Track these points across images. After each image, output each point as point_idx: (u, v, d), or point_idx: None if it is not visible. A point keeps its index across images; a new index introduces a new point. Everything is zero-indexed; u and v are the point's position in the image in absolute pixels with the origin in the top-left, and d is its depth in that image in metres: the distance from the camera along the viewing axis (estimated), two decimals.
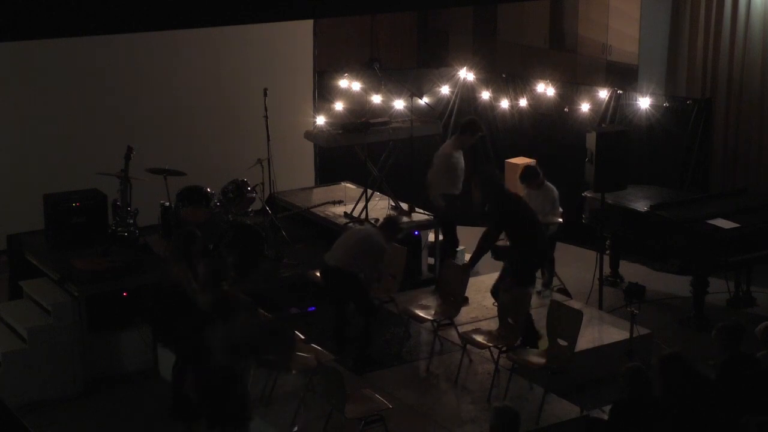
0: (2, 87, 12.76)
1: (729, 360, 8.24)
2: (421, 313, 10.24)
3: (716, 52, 13.51)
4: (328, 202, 12.56)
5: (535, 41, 15.45)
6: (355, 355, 9.95)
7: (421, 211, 12.18)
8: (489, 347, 9.64)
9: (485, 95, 14.43)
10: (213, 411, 8.29)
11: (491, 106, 14.41)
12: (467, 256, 12.58)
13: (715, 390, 8.05)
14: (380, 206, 12.23)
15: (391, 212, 11.63)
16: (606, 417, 8.39)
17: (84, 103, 13.09)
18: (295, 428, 8.71)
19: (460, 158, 11.93)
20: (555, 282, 11.58)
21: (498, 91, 14.34)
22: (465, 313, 10.72)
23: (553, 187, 11.72)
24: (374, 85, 13.93)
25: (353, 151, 12.64)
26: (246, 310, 8.62)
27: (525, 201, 10.74)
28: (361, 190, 12.37)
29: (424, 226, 12.21)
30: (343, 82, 14.12)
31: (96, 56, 12.96)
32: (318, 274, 10.53)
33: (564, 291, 11.63)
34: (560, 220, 11.54)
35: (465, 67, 14.62)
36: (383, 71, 13.97)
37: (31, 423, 9.14)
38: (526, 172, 11.73)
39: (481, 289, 11.59)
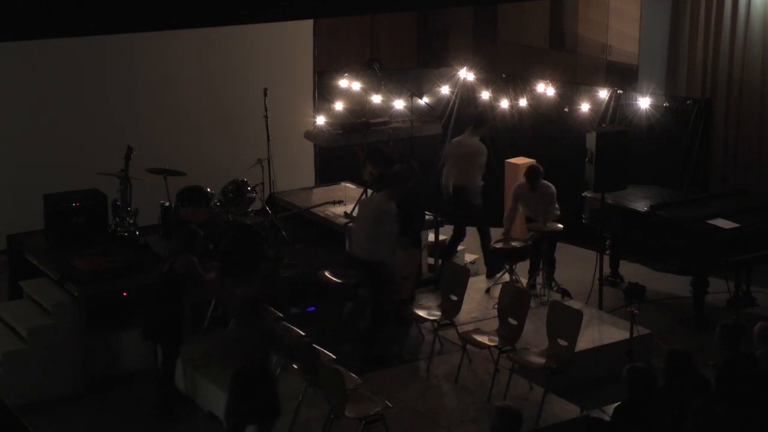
0: (2, 87, 12.76)
1: (729, 360, 8.25)
2: (421, 313, 10.25)
3: (716, 52, 13.50)
4: (328, 202, 12.53)
5: (535, 41, 15.45)
6: (362, 352, 9.95)
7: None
8: (489, 347, 9.65)
9: (485, 95, 14.41)
10: (243, 409, 8.33)
11: (491, 106, 14.38)
12: (468, 257, 12.59)
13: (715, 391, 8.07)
14: None
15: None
16: (606, 417, 8.39)
17: (84, 103, 13.09)
18: None
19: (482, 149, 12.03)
20: (539, 291, 11.54)
21: (498, 91, 14.32)
22: (465, 313, 10.71)
23: (550, 185, 11.70)
24: (374, 85, 13.91)
25: (353, 151, 12.64)
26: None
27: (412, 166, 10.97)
28: (361, 190, 12.36)
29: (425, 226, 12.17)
30: (343, 82, 14.11)
31: (96, 56, 12.96)
32: (327, 274, 10.56)
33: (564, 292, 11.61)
34: (560, 226, 11.47)
35: (465, 67, 14.60)
36: (383, 71, 13.96)
37: (31, 423, 9.13)
38: (532, 171, 11.68)
39: (481, 289, 11.60)
